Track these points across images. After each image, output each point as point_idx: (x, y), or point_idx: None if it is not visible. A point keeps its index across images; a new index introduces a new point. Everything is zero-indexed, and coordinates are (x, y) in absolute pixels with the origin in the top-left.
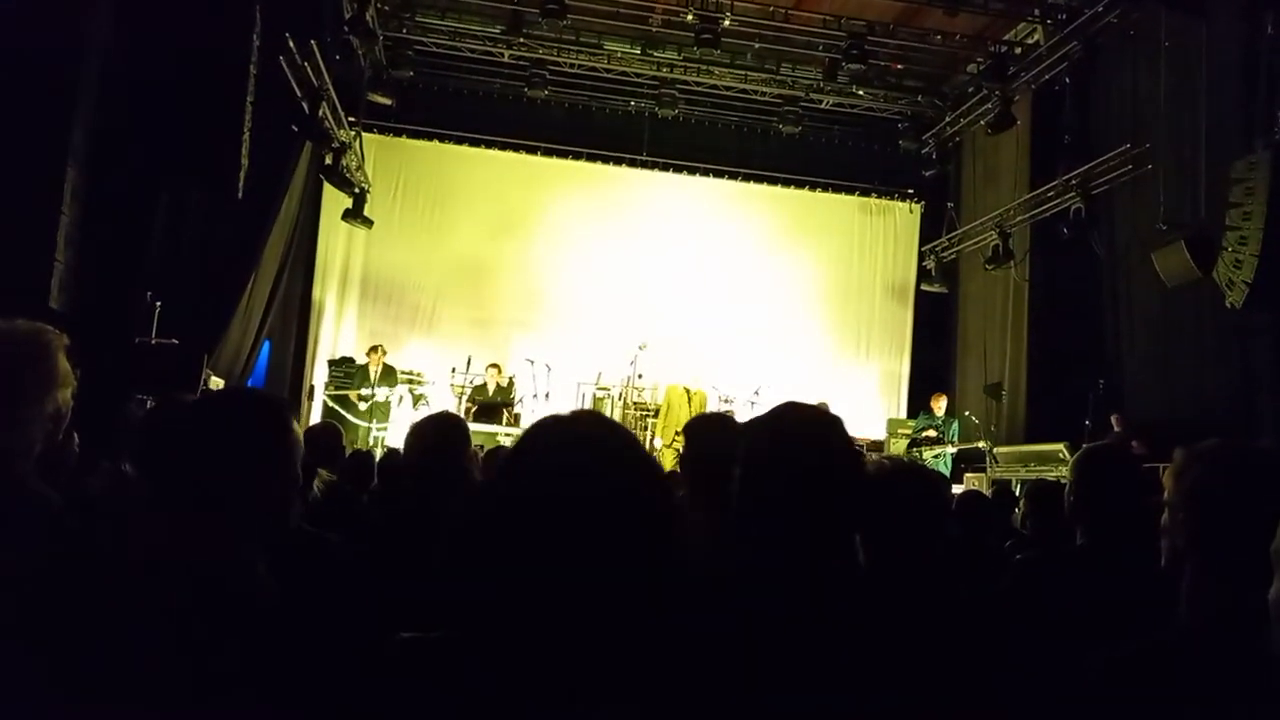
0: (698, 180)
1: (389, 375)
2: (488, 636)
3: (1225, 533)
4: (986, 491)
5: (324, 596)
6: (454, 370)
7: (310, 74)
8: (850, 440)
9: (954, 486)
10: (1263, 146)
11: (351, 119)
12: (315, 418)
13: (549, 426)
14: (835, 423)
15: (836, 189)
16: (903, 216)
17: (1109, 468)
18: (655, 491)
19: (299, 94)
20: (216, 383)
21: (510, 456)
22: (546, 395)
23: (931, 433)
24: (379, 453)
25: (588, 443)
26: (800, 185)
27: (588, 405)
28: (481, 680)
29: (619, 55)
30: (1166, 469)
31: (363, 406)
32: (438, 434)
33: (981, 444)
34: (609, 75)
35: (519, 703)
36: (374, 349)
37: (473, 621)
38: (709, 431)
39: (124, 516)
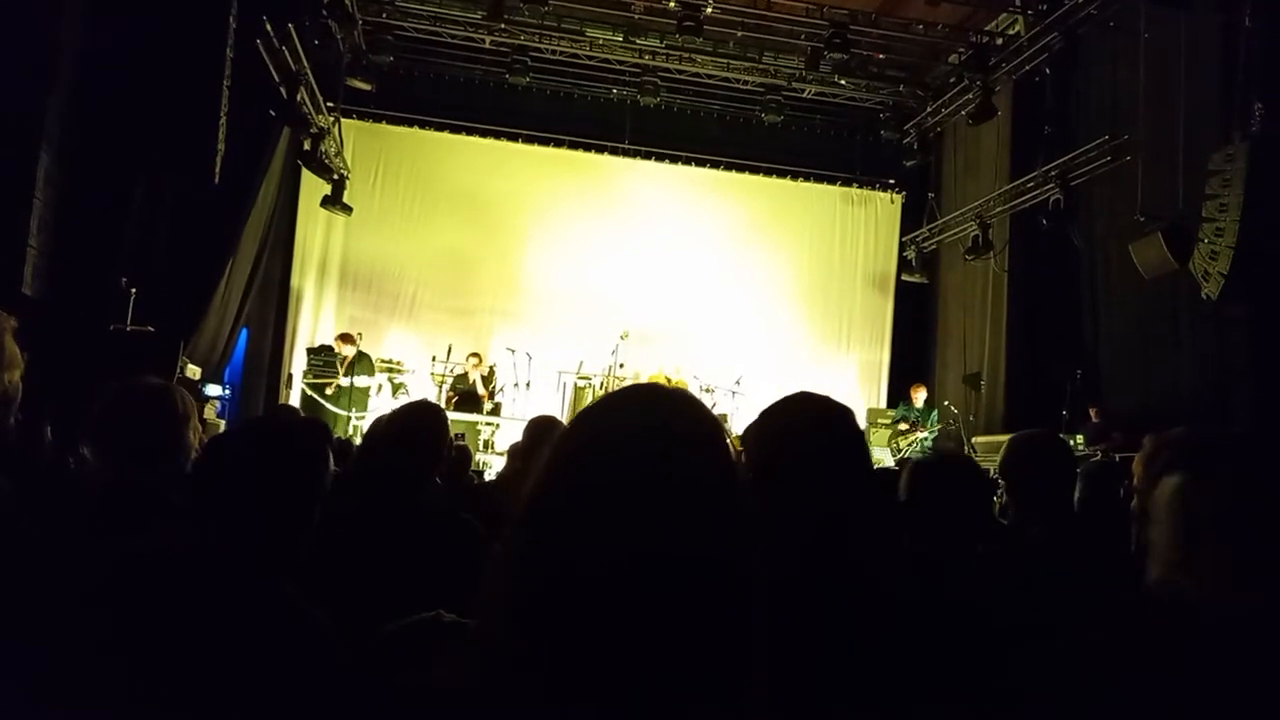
0: (679, 169)
1: (361, 363)
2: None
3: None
4: None
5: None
6: (434, 359)
7: (288, 58)
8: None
9: None
10: (1240, 139)
11: (330, 104)
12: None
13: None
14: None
15: (818, 178)
16: (883, 207)
17: (1035, 455)
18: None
19: (276, 78)
20: (193, 371)
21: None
22: (528, 384)
23: (904, 425)
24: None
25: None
26: (782, 175)
27: (569, 395)
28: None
29: (601, 42)
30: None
31: (329, 391)
32: (416, 420)
33: (949, 425)
34: (591, 62)
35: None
36: (342, 337)
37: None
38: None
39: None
